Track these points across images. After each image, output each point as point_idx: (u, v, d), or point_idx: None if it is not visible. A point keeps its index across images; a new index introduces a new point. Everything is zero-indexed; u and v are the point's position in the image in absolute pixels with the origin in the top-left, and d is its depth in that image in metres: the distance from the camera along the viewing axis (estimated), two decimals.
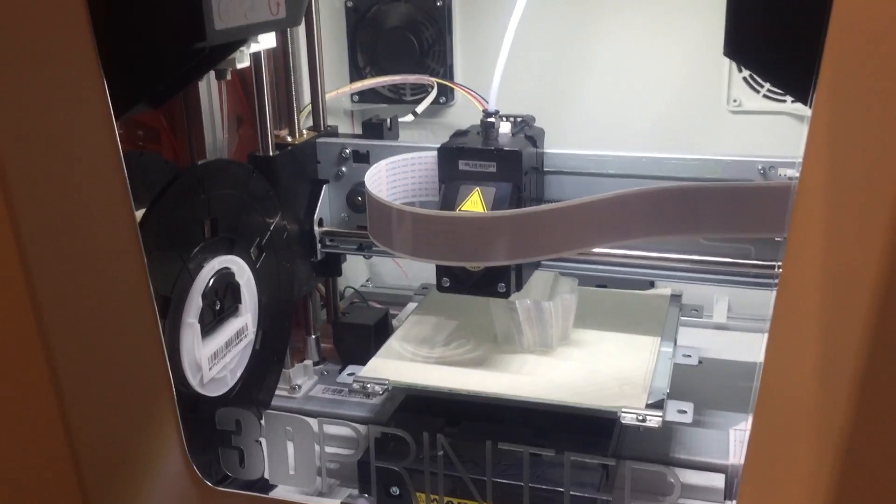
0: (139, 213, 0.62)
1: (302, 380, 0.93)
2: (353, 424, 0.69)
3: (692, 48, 1.02)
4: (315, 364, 0.96)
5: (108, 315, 0.56)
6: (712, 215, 0.70)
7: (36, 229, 0.50)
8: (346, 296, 1.12)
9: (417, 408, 0.78)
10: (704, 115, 1.03)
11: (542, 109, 1.05)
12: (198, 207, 0.67)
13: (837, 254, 0.45)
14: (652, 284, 1.00)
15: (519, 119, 0.83)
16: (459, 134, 0.82)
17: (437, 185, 0.81)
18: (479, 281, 0.75)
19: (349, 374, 0.78)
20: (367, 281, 1.19)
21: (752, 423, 0.52)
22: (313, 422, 0.63)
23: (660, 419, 0.70)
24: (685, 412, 0.72)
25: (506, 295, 0.75)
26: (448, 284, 0.76)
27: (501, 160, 0.76)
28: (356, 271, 1.17)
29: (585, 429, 0.74)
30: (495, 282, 0.75)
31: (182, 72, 0.61)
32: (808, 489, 0.47)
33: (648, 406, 0.71)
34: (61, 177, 0.53)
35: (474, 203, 0.75)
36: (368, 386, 0.76)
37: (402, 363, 0.81)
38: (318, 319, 1.01)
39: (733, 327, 1.04)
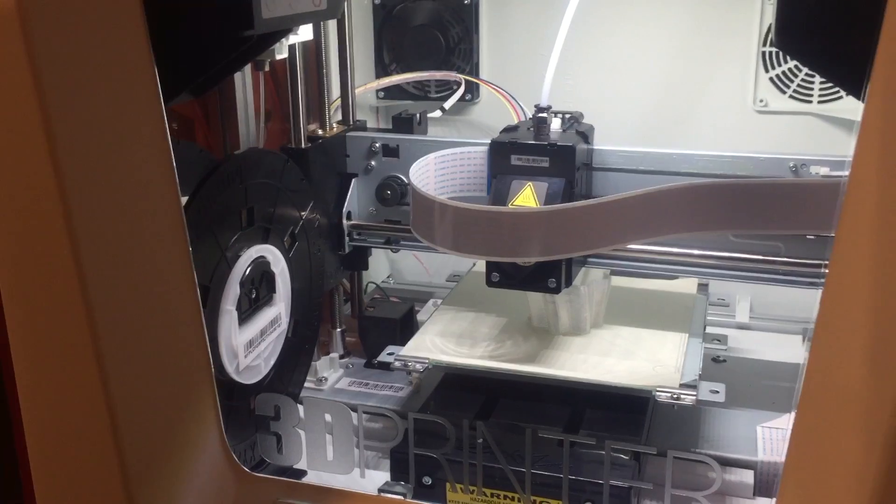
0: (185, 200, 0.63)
1: (328, 372, 0.93)
2: (391, 412, 0.70)
3: (719, 47, 1.03)
4: (340, 357, 0.97)
5: (154, 301, 0.57)
6: (747, 212, 0.71)
7: (86, 214, 0.51)
8: (369, 291, 1.12)
9: (455, 387, 0.80)
10: (730, 114, 1.04)
11: (565, 102, 1.06)
12: (236, 196, 0.67)
13: (889, 250, 0.45)
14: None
15: (568, 115, 0.83)
16: (509, 129, 0.82)
17: (485, 180, 0.81)
18: (530, 276, 0.75)
19: (389, 354, 0.79)
20: (389, 277, 1.20)
21: (796, 419, 0.52)
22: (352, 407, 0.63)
23: (694, 397, 0.71)
24: (717, 392, 0.73)
25: (556, 290, 0.75)
26: (497, 279, 0.76)
27: (555, 155, 0.76)
28: (377, 267, 1.17)
29: (619, 409, 0.75)
30: (546, 277, 0.75)
31: (226, 61, 0.62)
32: (855, 484, 0.47)
33: (682, 385, 0.72)
34: (112, 164, 0.53)
35: (527, 198, 0.75)
36: (409, 364, 0.77)
37: (439, 345, 0.82)
38: (342, 313, 1.01)
39: (756, 327, 1.04)
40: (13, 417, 0.57)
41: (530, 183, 0.76)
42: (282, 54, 0.72)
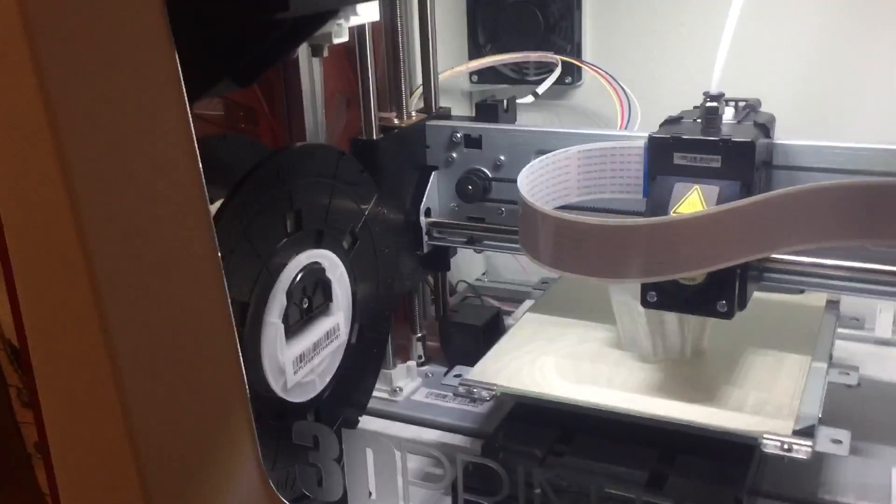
0: (216, 206, 0.57)
1: (404, 381, 0.87)
2: (438, 453, 0.61)
3: (870, 23, 0.88)
4: (420, 365, 0.90)
5: (177, 318, 0.51)
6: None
7: (100, 227, 0.45)
8: (459, 290, 1.05)
9: (527, 418, 0.70)
10: (876, 100, 0.89)
11: (680, 86, 0.94)
12: (279, 199, 0.60)
13: None
14: (801, 292, 0.88)
15: (742, 104, 0.71)
16: (671, 121, 0.71)
17: (640, 180, 0.71)
18: (694, 297, 0.64)
19: (455, 376, 0.72)
20: (483, 275, 1.12)
21: None
22: (394, 440, 0.56)
23: (809, 449, 0.59)
24: (840, 442, 0.61)
25: (728, 315, 0.64)
26: (655, 300, 0.66)
27: (729, 153, 0.64)
28: (471, 264, 1.09)
29: (719, 454, 0.64)
30: (715, 298, 0.64)
31: (266, 46, 0.55)
32: None
33: (795, 433, 0.60)
34: (127, 168, 0.47)
35: (693, 204, 0.64)
36: (475, 391, 0.69)
37: (513, 366, 0.73)
38: (426, 316, 0.94)
39: None
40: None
41: (697, 186, 0.65)
42: (340, 38, 0.65)
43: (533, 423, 0.69)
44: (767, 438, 0.60)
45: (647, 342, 0.71)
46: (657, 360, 0.72)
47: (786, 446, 0.59)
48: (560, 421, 0.69)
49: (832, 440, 0.61)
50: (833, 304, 0.81)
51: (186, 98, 0.50)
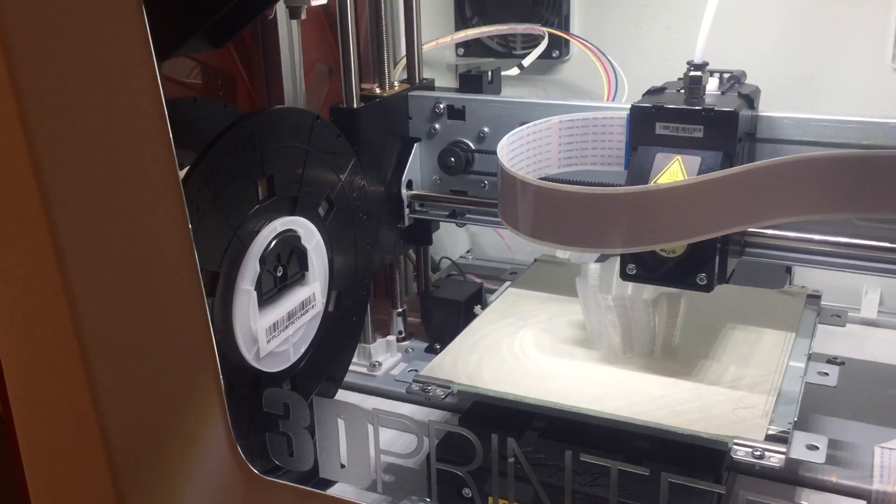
0: (184, 172, 0.55)
1: (383, 356, 0.85)
2: (411, 422, 0.57)
3: None
4: (400, 340, 0.88)
5: (144, 284, 0.50)
6: (879, 191, 0.57)
7: (64, 190, 0.44)
8: (443, 267, 1.03)
9: (485, 416, 0.67)
10: (864, 73, 0.88)
11: (667, 60, 0.93)
12: (249, 166, 0.59)
13: None
14: (788, 270, 0.87)
15: (727, 75, 0.70)
16: (654, 91, 0.69)
17: (622, 152, 0.70)
18: (674, 269, 0.63)
19: (410, 371, 0.69)
20: (468, 252, 1.10)
21: None
22: (367, 411, 0.54)
23: (782, 457, 0.56)
24: (817, 448, 0.58)
25: (707, 288, 0.63)
26: (634, 272, 0.65)
27: (711, 123, 0.63)
28: (455, 241, 1.08)
29: (687, 459, 0.60)
30: (694, 271, 0.63)
31: (236, 3, 0.54)
32: None
33: (769, 438, 0.58)
34: (91, 127, 0.46)
35: (674, 174, 0.63)
36: (430, 388, 0.65)
37: (474, 360, 0.70)
38: (408, 291, 0.93)
39: (884, 324, 0.89)
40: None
41: (679, 156, 0.63)
42: (318, 0, 0.63)
43: (489, 423, 0.65)
44: (738, 444, 0.57)
45: (615, 338, 0.69)
46: (625, 358, 0.69)
47: (757, 452, 0.56)
48: (518, 421, 0.65)
49: (808, 446, 0.58)
50: (814, 298, 0.79)
51: (155, 55, 0.48)
